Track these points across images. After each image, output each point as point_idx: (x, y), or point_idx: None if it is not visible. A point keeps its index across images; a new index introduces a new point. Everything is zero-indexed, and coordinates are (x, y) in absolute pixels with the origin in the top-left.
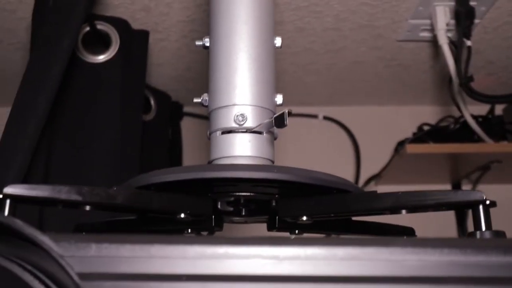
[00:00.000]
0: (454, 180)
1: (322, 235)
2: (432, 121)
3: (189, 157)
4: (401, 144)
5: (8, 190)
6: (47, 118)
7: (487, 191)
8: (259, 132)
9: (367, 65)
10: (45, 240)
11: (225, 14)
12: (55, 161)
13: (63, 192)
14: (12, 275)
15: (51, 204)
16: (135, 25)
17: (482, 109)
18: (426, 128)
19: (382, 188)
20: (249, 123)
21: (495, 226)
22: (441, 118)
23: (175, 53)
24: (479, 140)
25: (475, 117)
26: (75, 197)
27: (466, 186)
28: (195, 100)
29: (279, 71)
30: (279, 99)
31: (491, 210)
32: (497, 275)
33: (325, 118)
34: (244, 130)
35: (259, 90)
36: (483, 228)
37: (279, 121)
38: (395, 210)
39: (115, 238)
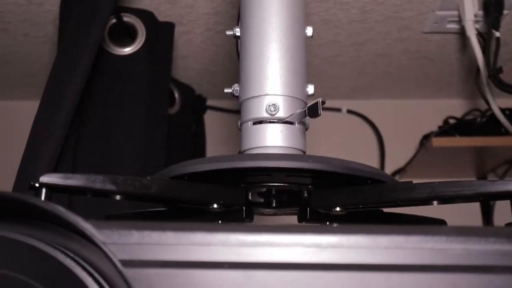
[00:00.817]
0: (479, 174)
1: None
2: (457, 114)
3: (212, 150)
4: (426, 138)
5: (44, 179)
6: (76, 110)
7: None
8: (291, 123)
9: (392, 58)
10: (87, 227)
11: (256, 3)
12: (82, 153)
13: (97, 182)
14: (55, 261)
15: (85, 193)
16: (160, 17)
17: (509, 102)
18: (452, 121)
19: None
20: (281, 113)
21: None
22: (467, 111)
23: (199, 46)
24: (506, 133)
25: (502, 110)
26: (109, 186)
27: None
28: (226, 90)
29: None
30: (310, 89)
31: None
32: None
33: (349, 111)
34: (276, 121)
35: (290, 80)
36: None
37: (313, 111)
38: (432, 201)
39: (157, 226)
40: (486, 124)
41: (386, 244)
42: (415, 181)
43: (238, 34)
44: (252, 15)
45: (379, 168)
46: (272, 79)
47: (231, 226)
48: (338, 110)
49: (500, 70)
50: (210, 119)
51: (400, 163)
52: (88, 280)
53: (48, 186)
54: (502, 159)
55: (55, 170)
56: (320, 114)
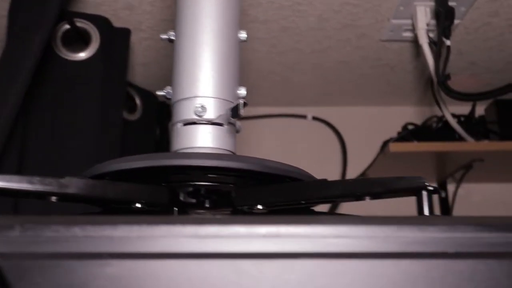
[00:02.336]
0: (439, 179)
1: None
2: (418, 121)
3: None
4: (386, 143)
5: None
6: (20, 115)
7: (471, 189)
8: (220, 124)
9: (353, 65)
10: None
11: (189, 7)
12: (30, 156)
13: (14, 181)
14: None
15: (3, 193)
16: (119, 24)
17: (465, 109)
18: (410, 127)
19: None
20: (210, 115)
21: None
22: (427, 118)
23: (160, 52)
24: (460, 139)
25: (457, 116)
26: (25, 186)
27: (451, 185)
28: (158, 92)
29: (266, 71)
30: (242, 91)
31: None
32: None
33: (314, 118)
34: (205, 122)
35: (220, 82)
36: (426, 213)
37: (235, 112)
38: (346, 197)
39: (40, 219)
40: (442, 130)
41: (324, 233)
42: None
43: (172, 38)
44: (185, 19)
45: (341, 172)
46: (202, 81)
47: (115, 218)
48: (303, 116)
49: (448, 76)
50: None
51: (362, 168)
52: None
53: None
54: (458, 164)
55: None
56: (241, 115)
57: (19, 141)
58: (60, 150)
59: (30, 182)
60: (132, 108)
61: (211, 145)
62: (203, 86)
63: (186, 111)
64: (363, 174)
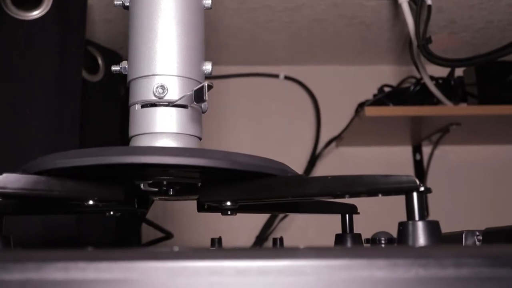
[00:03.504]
0: (414, 141)
1: None
2: (395, 81)
3: None
4: (361, 106)
5: None
6: None
7: (447, 152)
8: (183, 106)
9: (328, 23)
10: None
11: None
12: None
13: None
14: None
15: None
16: None
17: (443, 70)
18: (386, 89)
19: (343, 150)
20: (172, 96)
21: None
22: (403, 79)
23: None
24: (438, 102)
25: (435, 79)
26: None
27: (426, 147)
28: (113, 68)
29: (235, 28)
30: (208, 67)
31: (453, 170)
32: None
33: (286, 77)
34: (166, 104)
35: (183, 58)
36: (417, 217)
37: (198, 95)
38: (324, 196)
39: None
40: (420, 93)
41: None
42: (351, 148)
43: (127, 3)
44: None
45: (315, 134)
46: (161, 57)
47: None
48: (275, 76)
49: (429, 40)
50: None
51: (337, 130)
52: None
53: None
54: (434, 128)
55: None
56: (206, 100)
57: None
58: (13, 122)
59: None
60: (94, 69)
61: (173, 130)
62: (163, 62)
63: (144, 91)
64: (338, 137)
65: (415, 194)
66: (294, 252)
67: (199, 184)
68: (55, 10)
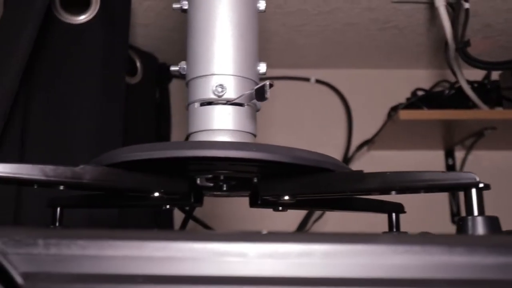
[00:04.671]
0: (447, 146)
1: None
2: (427, 85)
3: (177, 120)
4: (394, 109)
5: None
6: (22, 81)
7: (481, 157)
8: (240, 104)
9: (361, 27)
10: None
11: None
12: (32, 127)
13: (25, 171)
14: None
15: (11, 183)
16: None
17: (478, 74)
18: (420, 93)
19: (374, 154)
20: (229, 94)
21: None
22: (436, 82)
23: (161, 13)
24: (473, 106)
25: (470, 83)
26: (37, 176)
27: (459, 152)
28: (172, 68)
29: (270, 32)
30: (262, 68)
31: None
32: (486, 277)
33: (317, 81)
34: (224, 102)
35: (239, 58)
36: (476, 213)
37: (260, 94)
38: (382, 191)
39: (65, 233)
40: (454, 97)
41: (319, 253)
42: (383, 152)
43: (185, 7)
44: None
45: (346, 138)
46: (220, 57)
47: (148, 233)
48: (306, 79)
49: (467, 43)
50: (176, 89)
51: (368, 134)
52: None
53: None
54: (469, 132)
55: None
56: (267, 98)
57: (20, 113)
58: (61, 122)
59: (43, 172)
60: (133, 71)
61: (231, 127)
62: (222, 62)
63: (203, 90)
64: (370, 140)
65: (474, 190)
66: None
67: (255, 179)
68: (101, 14)
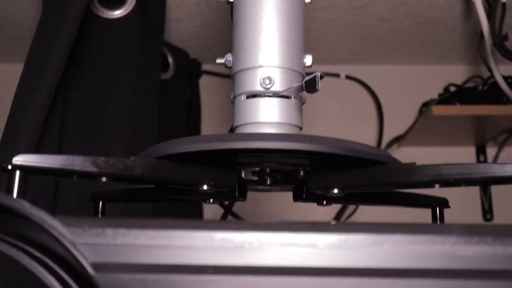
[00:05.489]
0: (478, 142)
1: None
2: (458, 81)
3: (207, 117)
4: (426, 105)
5: (18, 160)
6: (62, 75)
7: None
8: (287, 97)
9: (394, 22)
10: (55, 224)
11: None
12: (70, 121)
13: (77, 163)
14: (19, 265)
15: (65, 175)
16: None
17: (509, 69)
18: (452, 89)
19: (405, 150)
20: (277, 87)
21: None
22: (468, 78)
23: (193, 8)
24: (507, 102)
25: (505, 78)
26: (90, 168)
27: (491, 149)
28: (218, 60)
29: None
30: (308, 60)
31: None
32: None
33: (347, 77)
34: (271, 94)
35: (287, 50)
36: None
37: (310, 86)
38: (436, 184)
39: (134, 223)
40: (488, 92)
41: (389, 245)
42: (413, 149)
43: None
44: None
45: (377, 134)
46: (267, 49)
47: (217, 223)
48: (336, 75)
49: (505, 37)
50: (206, 85)
51: (399, 130)
52: (56, 286)
53: (23, 168)
54: (502, 128)
55: (39, 141)
56: (318, 89)
57: (60, 105)
58: (97, 115)
59: (94, 164)
60: (164, 66)
61: (277, 120)
62: (268, 55)
63: (249, 82)
64: (402, 136)
65: None
66: (453, 228)
67: (301, 172)
68: (138, 8)
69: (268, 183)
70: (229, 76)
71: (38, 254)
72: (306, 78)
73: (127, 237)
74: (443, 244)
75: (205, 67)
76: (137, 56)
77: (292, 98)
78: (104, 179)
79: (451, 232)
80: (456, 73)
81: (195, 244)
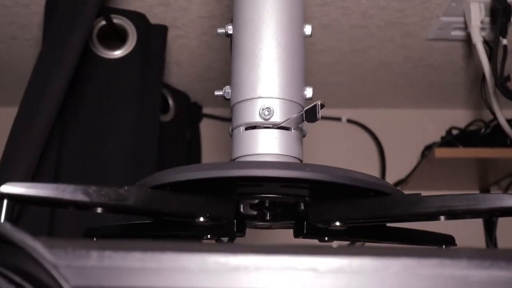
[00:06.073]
0: (482, 186)
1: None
2: (460, 124)
3: (208, 160)
4: (428, 148)
5: (6, 189)
6: (58, 114)
7: None
8: (287, 128)
9: (394, 66)
10: (36, 246)
11: None
12: (66, 159)
13: (67, 192)
14: None
15: (54, 205)
16: (153, 20)
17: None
18: (455, 132)
19: None
20: (276, 118)
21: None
22: (470, 122)
23: (194, 51)
24: (510, 145)
25: (508, 121)
26: (81, 197)
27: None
28: (217, 92)
29: None
30: (309, 92)
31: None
32: None
33: (349, 121)
34: (271, 126)
35: (286, 81)
36: None
37: (311, 115)
38: (441, 215)
39: (120, 245)
40: (491, 135)
41: (396, 268)
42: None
43: (230, 32)
44: (245, 11)
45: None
46: (266, 80)
47: (209, 246)
48: (338, 119)
49: (508, 78)
50: (206, 128)
51: (401, 174)
52: None
53: (11, 197)
54: (506, 171)
55: (34, 177)
56: (319, 119)
57: (56, 145)
58: (95, 154)
59: (86, 193)
60: (165, 109)
61: (277, 152)
62: (267, 86)
63: (248, 114)
64: (405, 180)
65: None
66: (463, 252)
67: (301, 206)
68: (137, 49)
69: (268, 218)
70: (229, 119)
71: (18, 279)
72: (306, 107)
73: (114, 259)
74: (454, 268)
75: (206, 110)
76: (137, 96)
77: (292, 130)
78: (99, 209)
79: (462, 256)
80: (458, 117)
81: (187, 267)
